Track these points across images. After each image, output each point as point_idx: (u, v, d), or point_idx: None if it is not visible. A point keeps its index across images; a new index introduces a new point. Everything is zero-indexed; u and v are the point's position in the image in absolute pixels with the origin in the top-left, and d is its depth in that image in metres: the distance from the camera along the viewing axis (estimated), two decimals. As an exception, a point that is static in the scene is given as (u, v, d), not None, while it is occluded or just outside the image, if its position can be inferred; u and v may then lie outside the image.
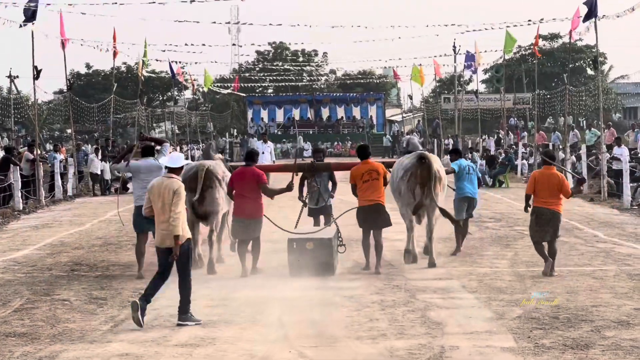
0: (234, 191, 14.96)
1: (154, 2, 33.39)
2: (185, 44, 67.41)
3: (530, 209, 14.51)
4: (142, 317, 10.95)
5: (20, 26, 29.56)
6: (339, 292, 12.97)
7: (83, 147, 41.77)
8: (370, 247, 15.05)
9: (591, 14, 28.59)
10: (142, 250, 14.85)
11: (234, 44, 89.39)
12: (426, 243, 16.02)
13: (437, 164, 15.71)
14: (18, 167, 27.83)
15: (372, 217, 14.87)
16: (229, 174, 15.92)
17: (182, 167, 11.68)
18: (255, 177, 14.81)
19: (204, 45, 68.23)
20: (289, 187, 14.99)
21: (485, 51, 54.68)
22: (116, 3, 32.69)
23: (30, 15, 29.21)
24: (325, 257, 14.55)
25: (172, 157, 11.91)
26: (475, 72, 55.41)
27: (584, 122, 64.22)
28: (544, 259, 14.34)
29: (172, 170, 11.45)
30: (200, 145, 57.14)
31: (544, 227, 14.29)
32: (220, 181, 15.60)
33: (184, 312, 11.18)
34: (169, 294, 12.91)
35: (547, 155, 15.46)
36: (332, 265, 14.75)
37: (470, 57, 51.61)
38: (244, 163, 15.48)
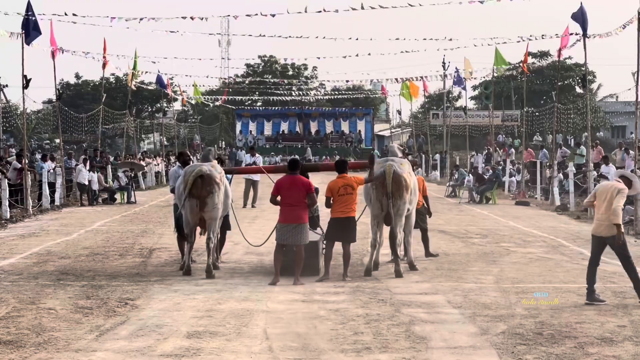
0: (279, 198, 15.34)
1: (145, 18, 33.43)
2: (175, 57, 67.57)
3: None
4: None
5: (25, 40, 29.44)
6: (324, 305, 13.01)
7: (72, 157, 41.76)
8: (331, 259, 15.64)
9: (584, 29, 28.58)
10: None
11: (222, 58, 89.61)
12: (403, 255, 16.72)
13: (406, 172, 16.08)
14: (5, 175, 27.81)
15: (342, 230, 15.54)
16: (225, 179, 16.39)
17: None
18: (305, 186, 15.22)
19: (192, 59, 68.63)
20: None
21: (474, 71, 54.86)
22: (107, 16, 32.73)
23: (32, 27, 29.24)
24: (310, 259, 15.64)
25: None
26: (464, 88, 55.61)
27: (572, 140, 64.45)
28: None
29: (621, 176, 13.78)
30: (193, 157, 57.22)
31: None
32: (219, 185, 15.91)
33: None
34: (154, 305, 12.98)
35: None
36: (317, 267, 15.86)
37: (459, 76, 51.86)
38: (234, 168, 16.08)
